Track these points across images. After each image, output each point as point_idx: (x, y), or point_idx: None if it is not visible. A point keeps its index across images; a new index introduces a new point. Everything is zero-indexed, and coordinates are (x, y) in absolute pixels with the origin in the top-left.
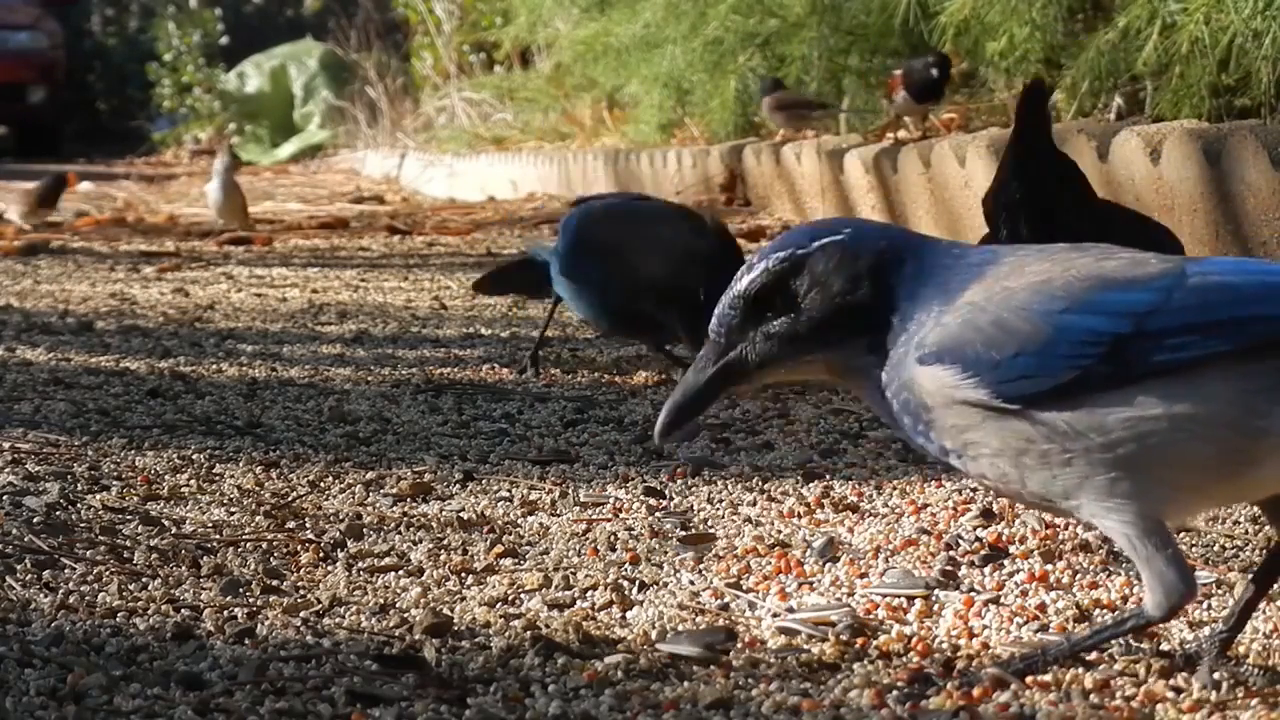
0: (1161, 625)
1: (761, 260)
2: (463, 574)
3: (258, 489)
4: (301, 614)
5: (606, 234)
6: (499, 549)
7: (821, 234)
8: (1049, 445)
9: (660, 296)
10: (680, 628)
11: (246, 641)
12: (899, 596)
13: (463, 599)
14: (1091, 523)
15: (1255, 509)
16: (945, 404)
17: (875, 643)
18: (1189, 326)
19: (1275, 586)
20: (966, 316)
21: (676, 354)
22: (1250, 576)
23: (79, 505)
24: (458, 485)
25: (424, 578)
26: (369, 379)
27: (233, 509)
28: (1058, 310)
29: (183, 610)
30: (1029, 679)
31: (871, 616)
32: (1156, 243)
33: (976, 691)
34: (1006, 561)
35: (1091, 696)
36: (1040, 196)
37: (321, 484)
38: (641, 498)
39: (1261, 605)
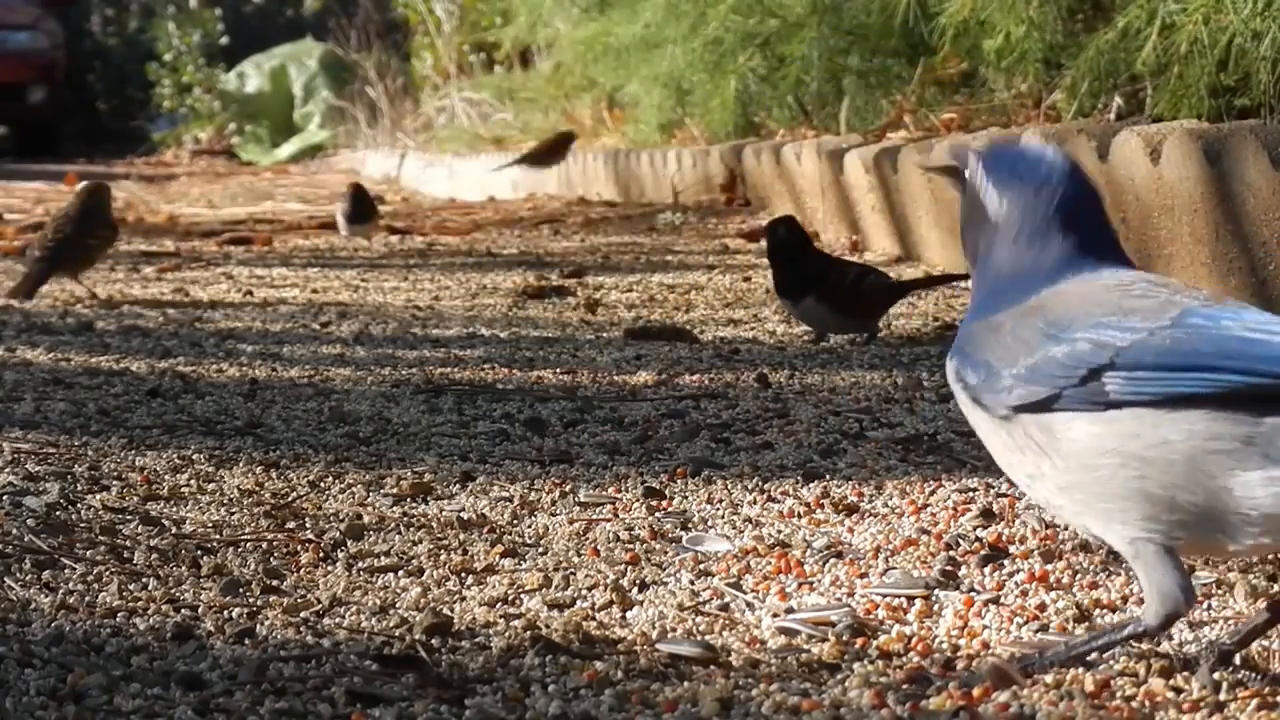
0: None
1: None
2: (463, 574)
3: (258, 489)
4: (301, 614)
5: None
6: (499, 549)
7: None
8: (1025, 456)
9: None
10: (680, 628)
11: (246, 641)
12: (899, 596)
13: (463, 599)
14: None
15: None
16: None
17: (875, 643)
18: (1160, 365)
19: (1277, 586)
20: (997, 326)
21: None
22: (1267, 605)
23: (79, 505)
24: (458, 485)
25: (424, 578)
26: (369, 379)
27: (233, 509)
28: (1054, 333)
29: (183, 610)
30: (1029, 678)
31: (871, 616)
32: None
33: (976, 691)
34: (1006, 561)
35: (1091, 697)
36: None
37: (321, 484)
38: (641, 498)
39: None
